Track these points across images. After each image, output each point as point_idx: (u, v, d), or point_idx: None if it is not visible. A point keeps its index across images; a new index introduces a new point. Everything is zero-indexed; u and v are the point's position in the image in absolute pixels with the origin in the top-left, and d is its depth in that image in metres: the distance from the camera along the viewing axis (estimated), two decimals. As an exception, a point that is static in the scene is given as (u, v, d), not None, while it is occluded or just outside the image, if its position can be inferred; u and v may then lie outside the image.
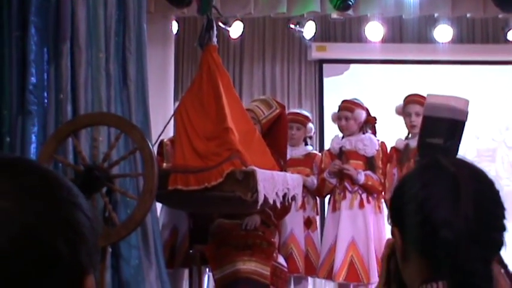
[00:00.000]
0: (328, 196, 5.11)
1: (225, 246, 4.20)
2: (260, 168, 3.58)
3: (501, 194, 1.18)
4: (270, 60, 8.13)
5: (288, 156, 4.77)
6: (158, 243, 3.85)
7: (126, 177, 3.63)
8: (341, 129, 5.08)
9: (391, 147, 4.92)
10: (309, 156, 5.23)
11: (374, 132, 5.09)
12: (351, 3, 6.11)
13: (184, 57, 8.07)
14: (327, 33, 8.13)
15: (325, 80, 8.08)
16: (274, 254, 4.31)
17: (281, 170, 4.10)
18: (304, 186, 4.78)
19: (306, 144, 5.34)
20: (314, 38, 7.61)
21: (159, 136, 4.01)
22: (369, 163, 4.93)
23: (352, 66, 8.09)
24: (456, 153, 2.96)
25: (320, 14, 6.63)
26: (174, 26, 7.03)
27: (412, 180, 1.21)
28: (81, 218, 0.78)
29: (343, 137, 5.08)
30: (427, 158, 1.20)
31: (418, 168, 1.28)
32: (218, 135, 3.70)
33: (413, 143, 4.69)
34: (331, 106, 6.57)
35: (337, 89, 7.71)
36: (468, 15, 7.12)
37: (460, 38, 7.88)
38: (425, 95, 4.65)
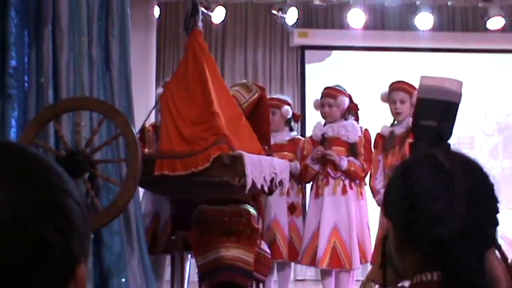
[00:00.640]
0: (311, 182, 5.12)
1: (208, 232, 4.18)
2: (247, 153, 3.56)
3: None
4: (252, 46, 8.08)
5: (272, 142, 4.76)
6: (141, 229, 3.82)
7: (108, 163, 3.60)
8: (324, 116, 5.08)
9: (377, 134, 4.92)
10: (293, 141, 5.23)
11: (357, 119, 5.10)
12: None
13: (166, 42, 8.00)
14: (309, 19, 8.10)
15: (307, 66, 8.07)
16: (258, 241, 4.30)
17: (266, 155, 4.09)
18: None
19: (292, 130, 5.33)
20: (296, 24, 7.57)
21: (144, 122, 3.97)
22: (351, 149, 4.93)
23: (334, 52, 8.08)
24: (450, 135, 2.98)
25: (302, 0, 6.60)
26: (156, 10, 6.97)
27: (406, 175, 1.20)
28: (72, 206, 0.76)
29: (325, 124, 5.08)
30: (422, 144, 1.20)
31: (413, 162, 1.27)
32: (204, 120, 3.67)
33: (399, 130, 4.71)
34: (313, 92, 6.56)
35: (319, 75, 7.71)
36: (449, 3, 7.14)
37: (440, 26, 7.90)
38: (409, 82, 4.68)
